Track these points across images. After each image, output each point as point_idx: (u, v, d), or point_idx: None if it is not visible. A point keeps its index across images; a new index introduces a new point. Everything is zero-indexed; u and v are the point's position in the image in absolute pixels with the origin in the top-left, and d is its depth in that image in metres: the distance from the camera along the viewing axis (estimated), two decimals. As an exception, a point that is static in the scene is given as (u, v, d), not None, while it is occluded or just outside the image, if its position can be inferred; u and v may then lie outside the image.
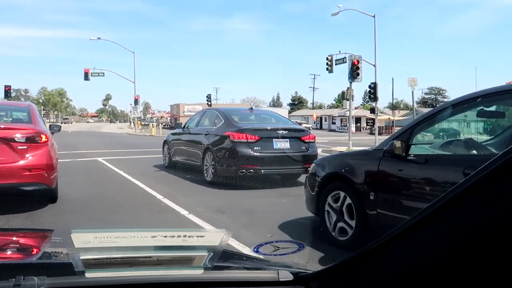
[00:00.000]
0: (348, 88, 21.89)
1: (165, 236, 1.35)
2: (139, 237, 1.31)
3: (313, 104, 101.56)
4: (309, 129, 10.39)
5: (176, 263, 1.23)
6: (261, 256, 1.54)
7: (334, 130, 66.40)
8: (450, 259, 0.67)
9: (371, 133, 45.95)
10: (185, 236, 1.37)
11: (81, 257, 1.18)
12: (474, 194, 0.64)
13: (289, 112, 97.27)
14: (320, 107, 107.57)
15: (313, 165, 5.09)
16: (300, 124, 58.03)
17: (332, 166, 4.68)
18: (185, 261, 1.24)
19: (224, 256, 1.31)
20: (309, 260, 3.64)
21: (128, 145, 23.00)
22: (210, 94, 43.06)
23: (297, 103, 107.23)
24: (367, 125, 56.71)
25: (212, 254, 1.23)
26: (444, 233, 0.68)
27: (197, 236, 1.38)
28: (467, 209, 0.65)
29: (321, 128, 74.80)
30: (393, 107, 63.61)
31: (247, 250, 3.98)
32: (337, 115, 70.73)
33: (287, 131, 8.44)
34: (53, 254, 1.42)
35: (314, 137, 8.95)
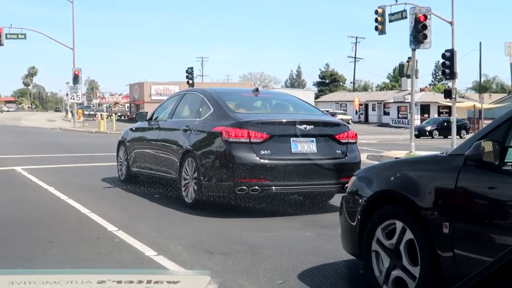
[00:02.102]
0: (409, 58, 21.86)
1: (119, 282, 1.32)
2: (79, 283, 1.28)
3: (354, 83, 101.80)
4: (348, 123, 10.39)
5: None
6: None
7: (387, 125, 66.31)
8: None
9: (445, 129, 45.97)
10: (150, 282, 1.35)
11: None
12: None
13: (317, 96, 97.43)
14: (365, 88, 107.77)
15: (353, 179, 5.08)
16: (333, 115, 57.97)
17: (383, 181, 4.67)
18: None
19: None
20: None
21: (63, 147, 23.12)
22: (192, 68, 43.21)
23: (328, 81, 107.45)
24: (439, 116, 56.65)
25: None
26: None
27: (169, 282, 1.36)
28: None
29: (366, 121, 74.91)
30: (481, 88, 63.50)
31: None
32: (391, 100, 70.77)
33: (312, 126, 8.46)
34: None
35: (356, 135, 8.96)
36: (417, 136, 42.01)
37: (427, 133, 44.33)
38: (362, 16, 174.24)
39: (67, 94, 52.83)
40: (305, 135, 8.35)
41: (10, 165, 14.62)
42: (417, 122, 61.22)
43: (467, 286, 0.94)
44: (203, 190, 8.27)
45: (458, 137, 43.20)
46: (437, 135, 45.33)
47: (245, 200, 8.31)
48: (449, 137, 41.26)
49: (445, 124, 43.59)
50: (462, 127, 45.58)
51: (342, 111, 72.35)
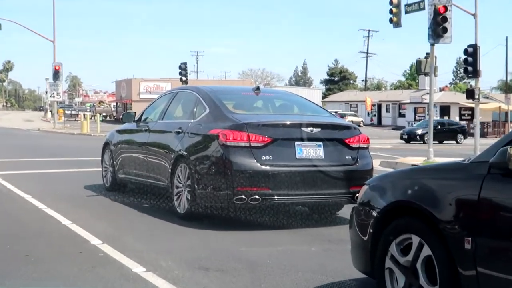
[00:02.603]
0: (427, 54, 21.88)
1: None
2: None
3: (365, 81, 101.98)
4: (359, 126, 10.39)
5: None
6: None
7: (403, 128, 66.27)
8: None
9: (469, 133, 45.76)
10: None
11: None
12: None
13: (324, 96, 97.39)
14: (379, 87, 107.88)
15: (365, 188, 5.08)
16: (342, 116, 57.46)
17: (398, 191, 4.67)
18: None
19: None
20: None
21: (42, 150, 23.12)
22: (185, 63, 43.30)
23: (337, 79, 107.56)
24: (460, 119, 56.58)
25: None
26: None
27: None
28: None
29: (379, 123, 74.96)
30: (508, 88, 63.47)
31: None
32: (407, 101, 70.85)
33: (319, 129, 8.46)
34: None
35: (368, 139, 8.97)
36: (406, 141, 41.73)
37: (417, 137, 42.53)
38: (375, 7, 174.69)
39: (46, 92, 52.86)
40: (312, 139, 8.35)
41: (-18, 170, 14.61)
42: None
43: None
44: (198, 200, 8.27)
45: (454, 142, 43.53)
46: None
47: (244, 211, 8.30)
48: (445, 142, 41.29)
49: (439, 127, 42.96)
50: (459, 130, 45.43)
51: (352, 113, 72.43)
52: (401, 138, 42.74)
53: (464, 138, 44.51)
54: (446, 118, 58.74)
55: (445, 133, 43.87)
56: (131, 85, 72.09)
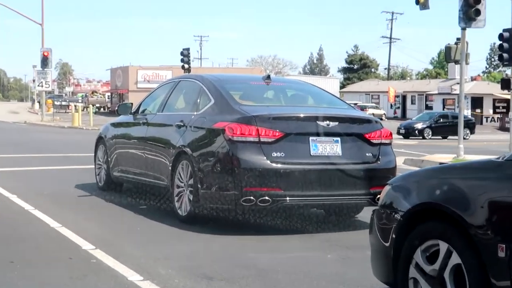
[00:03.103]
0: (458, 40, 21.78)
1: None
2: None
3: (388, 70, 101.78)
4: (381, 119, 10.37)
5: None
6: None
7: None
8: None
9: (503, 128, 45.29)
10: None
11: None
12: None
13: (342, 86, 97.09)
14: (403, 76, 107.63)
15: (387, 189, 5.08)
16: (363, 109, 57.09)
17: (424, 192, 4.66)
18: None
19: None
20: None
21: (29, 145, 23.19)
22: (188, 49, 43.31)
23: (357, 67, 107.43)
24: (495, 112, 56.43)
25: None
26: None
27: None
28: None
29: (404, 116, 74.60)
30: (547, 77, 63.18)
31: None
32: (435, 91, 70.65)
33: (337, 122, 8.46)
34: None
35: (390, 134, 8.97)
36: (404, 136, 40.67)
37: (416, 132, 42.03)
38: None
39: (33, 80, 53.11)
40: (328, 133, 8.35)
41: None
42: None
43: None
44: (201, 201, 8.29)
45: (457, 138, 42.05)
46: (430, 134, 42.89)
47: (253, 214, 8.31)
48: (449, 137, 40.11)
49: (441, 120, 41.91)
50: (465, 124, 43.54)
51: (373, 104, 72.34)
52: (398, 133, 41.44)
53: (472, 133, 42.74)
54: (447, 110, 57.70)
55: (449, 127, 41.64)
56: (128, 73, 72.26)
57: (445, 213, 4.37)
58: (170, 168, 9.05)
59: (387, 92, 72.88)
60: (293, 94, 10.04)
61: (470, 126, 43.42)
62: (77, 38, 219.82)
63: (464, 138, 40.79)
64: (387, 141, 8.81)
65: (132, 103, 11.67)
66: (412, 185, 4.87)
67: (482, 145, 31.41)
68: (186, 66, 41.91)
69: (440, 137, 40.01)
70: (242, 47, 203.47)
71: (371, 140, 8.62)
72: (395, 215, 4.78)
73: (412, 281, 4.61)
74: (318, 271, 6.33)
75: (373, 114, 42.44)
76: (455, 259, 4.29)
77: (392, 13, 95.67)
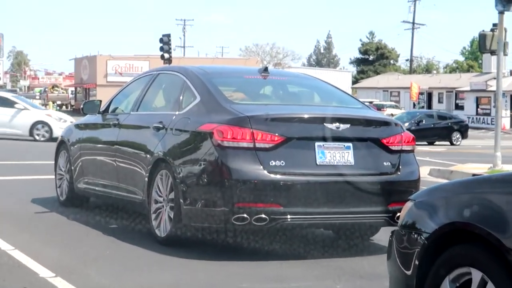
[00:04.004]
0: (494, 26, 21.78)
1: None
2: None
3: (411, 61, 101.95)
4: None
5: None
6: None
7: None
8: None
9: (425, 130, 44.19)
10: None
11: None
12: None
13: (355, 80, 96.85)
14: (428, 69, 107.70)
15: (409, 205, 5.08)
16: (380, 108, 56.74)
17: (454, 210, 4.66)
18: None
19: None
20: None
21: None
22: (169, 36, 43.31)
23: (373, 58, 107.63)
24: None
25: None
26: None
27: None
28: None
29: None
30: None
31: None
32: (467, 88, 70.68)
33: (348, 125, 8.46)
34: None
35: (413, 139, 8.97)
36: None
37: None
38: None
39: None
40: (338, 138, 8.36)
41: None
42: (506, 120, 61.09)
43: None
44: (184, 219, 8.28)
45: (448, 143, 40.78)
46: None
47: (246, 236, 8.30)
48: (436, 143, 39.48)
49: (424, 122, 41.18)
50: (454, 127, 43.34)
51: (393, 103, 72.38)
52: None
53: (463, 137, 42.56)
54: (437, 109, 56.91)
55: (435, 130, 42.09)
56: (96, 64, 72.26)
57: (479, 235, 4.37)
58: (146, 179, 9.03)
59: (409, 88, 72.85)
60: (295, 91, 10.04)
61: (462, 129, 43.58)
62: (34, 21, 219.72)
63: (452, 144, 40.47)
64: (409, 148, 8.82)
65: (100, 101, 11.62)
66: (439, 201, 4.87)
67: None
68: (166, 55, 41.96)
69: (425, 143, 39.25)
70: (234, 33, 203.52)
71: (390, 147, 8.62)
72: (419, 238, 4.78)
73: (439, 318, 4.61)
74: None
75: (392, 114, 42.40)
76: (491, 291, 4.29)
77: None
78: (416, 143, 9.27)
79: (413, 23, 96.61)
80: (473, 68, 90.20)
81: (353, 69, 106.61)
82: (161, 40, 42.66)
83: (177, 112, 9.08)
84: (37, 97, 73.31)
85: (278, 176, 8.03)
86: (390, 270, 5.12)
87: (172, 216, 8.44)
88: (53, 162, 12.12)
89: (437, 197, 4.96)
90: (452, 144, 41.18)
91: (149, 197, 8.95)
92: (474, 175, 15.25)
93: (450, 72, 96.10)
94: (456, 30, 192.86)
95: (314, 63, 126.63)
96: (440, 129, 42.32)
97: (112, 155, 10.14)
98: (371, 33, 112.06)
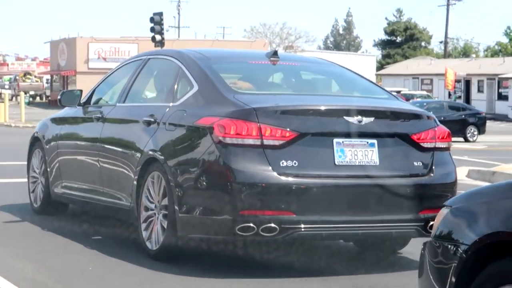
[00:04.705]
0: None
1: None
2: None
3: (445, 44, 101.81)
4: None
5: None
6: None
7: (504, 117, 66.17)
8: None
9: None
10: None
11: None
12: None
13: (380, 66, 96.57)
14: (466, 53, 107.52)
15: (444, 213, 5.08)
16: (409, 98, 56.81)
17: (497, 218, 4.66)
18: None
19: None
20: None
21: None
22: (161, 14, 43.32)
23: (401, 40, 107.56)
24: None
25: None
26: None
27: None
28: None
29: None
30: None
31: None
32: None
33: (372, 118, 8.45)
34: None
35: (449, 135, 8.97)
36: None
37: None
38: None
39: None
40: (361, 133, 8.36)
41: None
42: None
43: None
44: (179, 229, 8.28)
45: (462, 139, 40.48)
46: None
47: (253, 248, 8.31)
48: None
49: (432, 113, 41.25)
50: (469, 120, 42.92)
51: (424, 93, 72.32)
52: None
53: (480, 132, 42.30)
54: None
55: (445, 124, 40.19)
56: (75, 47, 72.35)
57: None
58: (135, 182, 9.05)
59: (443, 75, 72.83)
60: (310, 78, 10.05)
61: (479, 123, 43.09)
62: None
63: (467, 140, 39.69)
64: (443, 145, 8.81)
65: (81, 90, 11.58)
66: (479, 208, 4.86)
67: None
68: (158, 37, 42.00)
69: None
70: (238, 12, 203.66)
71: (421, 143, 8.61)
72: (456, 250, 4.78)
73: None
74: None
75: (423, 106, 42.38)
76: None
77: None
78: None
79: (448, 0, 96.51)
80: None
81: (378, 53, 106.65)
82: (151, 20, 42.69)
83: (171, 104, 9.08)
84: (7, 87, 73.40)
85: (290, 179, 8.01)
86: (422, 287, 5.12)
87: (165, 226, 8.45)
88: (26, 163, 12.13)
89: (477, 203, 4.96)
90: (466, 140, 40.92)
91: (138, 204, 8.96)
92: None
93: (492, 56, 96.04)
94: (498, 7, 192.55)
95: (331, 46, 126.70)
96: (451, 123, 39.22)
97: (95, 154, 10.15)
98: (399, 11, 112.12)
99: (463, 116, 42.98)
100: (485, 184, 10.61)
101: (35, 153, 11.85)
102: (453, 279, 4.77)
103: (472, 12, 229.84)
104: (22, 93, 52.65)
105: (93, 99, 10.86)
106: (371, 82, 10.70)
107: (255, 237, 7.98)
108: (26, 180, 12.09)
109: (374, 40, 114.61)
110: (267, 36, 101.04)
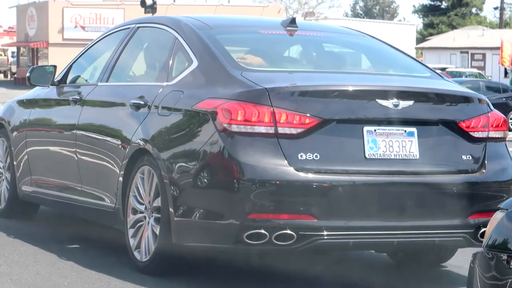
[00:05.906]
0: None
1: None
2: None
3: (501, 11, 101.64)
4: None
5: None
6: None
7: None
8: None
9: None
10: None
11: None
12: None
13: (422, 38, 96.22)
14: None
15: (498, 217, 5.09)
16: (456, 77, 56.57)
17: None
18: None
19: None
20: None
21: None
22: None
23: (446, 6, 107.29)
24: None
25: None
26: None
27: None
28: None
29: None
30: None
31: None
32: None
33: (411, 101, 8.43)
34: None
35: (504, 122, 8.98)
36: None
37: None
38: None
39: None
40: (397, 120, 8.36)
41: None
42: None
43: None
44: (175, 236, 8.29)
45: None
46: None
47: (264, 260, 8.33)
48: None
49: None
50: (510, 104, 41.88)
51: (474, 71, 72.22)
52: None
53: None
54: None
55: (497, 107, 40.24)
56: (47, 13, 72.40)
57: None
58: (121, 179, 9.08)
59: (498, 48, 72.77)
60: (334, 52, 10.04)
61: None
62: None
63: (510, 129, 38.98)
64: (498, 134, 8.81)
65: (55, 66, 11.55)
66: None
67: None
68: (148, 1, 42.01)
69: None
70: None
71: (471, 133, 8.60)
72: (513, 263, 4.80)
73: None
74: None
75: (472, 86, 42.33)
76: None
77: None
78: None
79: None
80: None
81: (418, 22, 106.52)
82: (141, -20, 42.73)
83: (165, 83, 9.08)
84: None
85: (310, 175, 8.00)
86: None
87: (157, 232, 8.47)
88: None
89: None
90: (509, 129, 40.01)
91: (124, 205, 8.99)
92: None
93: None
94: None
95: (361, 12, 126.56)
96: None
97: (72, 144, 10.18)
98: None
99: (504, 99, 42.57)
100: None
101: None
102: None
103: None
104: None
105: (70, 77, 10.88)
106: (410, 57, 10.67)
107: (267, 247, 7.96)
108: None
109: (414, 6, 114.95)
110: (282, 0, 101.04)
